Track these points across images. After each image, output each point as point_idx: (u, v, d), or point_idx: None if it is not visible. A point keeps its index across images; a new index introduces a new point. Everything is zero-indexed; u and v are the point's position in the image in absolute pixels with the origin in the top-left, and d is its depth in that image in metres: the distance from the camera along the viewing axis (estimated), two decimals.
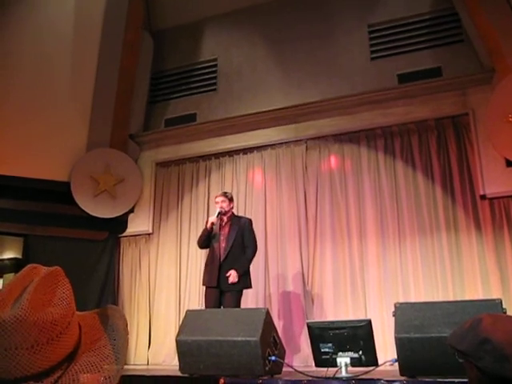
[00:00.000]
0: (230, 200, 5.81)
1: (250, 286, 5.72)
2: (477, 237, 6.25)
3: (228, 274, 5.44)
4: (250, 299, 6.80)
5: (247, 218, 5.99)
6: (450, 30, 7.07)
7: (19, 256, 8.66)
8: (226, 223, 5.75)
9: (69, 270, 1.26)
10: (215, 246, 5.64)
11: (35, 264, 1.25)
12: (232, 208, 5.86)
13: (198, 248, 7.45)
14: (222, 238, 5.65)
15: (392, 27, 7.36)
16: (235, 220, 5.78)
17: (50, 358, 1.10)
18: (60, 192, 7.53)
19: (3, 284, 8.52)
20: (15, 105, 7.30)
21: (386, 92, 6.97)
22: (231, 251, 5.58)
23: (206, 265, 5.74)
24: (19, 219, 7.41)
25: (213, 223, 5.61)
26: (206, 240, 5.72)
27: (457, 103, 6.67)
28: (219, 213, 5.64)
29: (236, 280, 5.44)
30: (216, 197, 5.88)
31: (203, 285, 5.73)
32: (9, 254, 9.51)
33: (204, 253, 7.39)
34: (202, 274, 7.28)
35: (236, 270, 5.46)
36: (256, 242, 5.82)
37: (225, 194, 5.83)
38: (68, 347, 1.15)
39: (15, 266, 8.91)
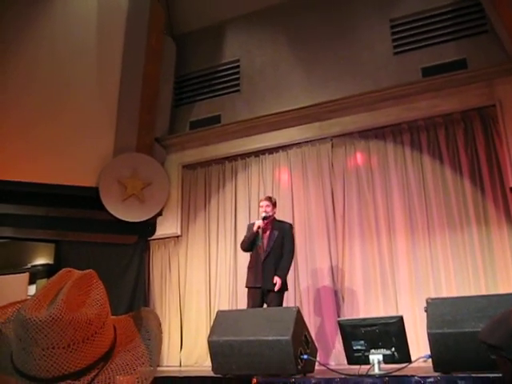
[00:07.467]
0: (274, 205, 5.89)
1: (287, 289, 5.78)
2: (508, 229, 6.14)
3: (274, 282, 5.50)
4: None
5: (289, 223, 6.08)
6: (473, 21, 6.96)
7: (51, 262, 8.80)
8: (268, 228, 5.80)
9: (100, 274, 1.28)
10: (258, 249, 5.70)
11: (69, 268, 1.27)
12: (275, 213, 5.91)
13: (226, 249, 7.57)
14: (264, 241, 5.71)
15: (414, 21, 7.28)
16: (277, 224, 5.86)
17: (86, 357, 1.12)
18: (89, 197, 7.63)
19: (37, 289, 8.66)
20: (43, 112, 7.42)
21: (410, 86, 6.90)
22: (272, 251, 5.66)
23: (250, 267, 5.77)
24: (50, 226, 7.54)
25: (259, 227, 5.67)
26: (251, 244, 5.78)
27: (483, 95, 6.57)
28: (264, 217, 5.70)
29: (280, 287, 5.52)
30: (261, 201, 5.94)
31: (246, 286, 5.75)
32: (41, 260, 9.68)
33: (233, 254, 7.46)
34: (231, 275, 7.41)
35: (279, 277, 5.54)
36: (294, 248, 5.97)
37: (269, 199, 5.91)
38: (103, 347, 1.17)
39: (47, 271, 9.06)
